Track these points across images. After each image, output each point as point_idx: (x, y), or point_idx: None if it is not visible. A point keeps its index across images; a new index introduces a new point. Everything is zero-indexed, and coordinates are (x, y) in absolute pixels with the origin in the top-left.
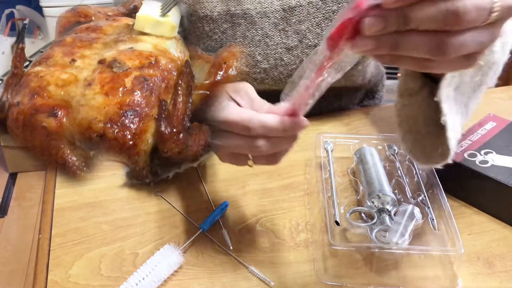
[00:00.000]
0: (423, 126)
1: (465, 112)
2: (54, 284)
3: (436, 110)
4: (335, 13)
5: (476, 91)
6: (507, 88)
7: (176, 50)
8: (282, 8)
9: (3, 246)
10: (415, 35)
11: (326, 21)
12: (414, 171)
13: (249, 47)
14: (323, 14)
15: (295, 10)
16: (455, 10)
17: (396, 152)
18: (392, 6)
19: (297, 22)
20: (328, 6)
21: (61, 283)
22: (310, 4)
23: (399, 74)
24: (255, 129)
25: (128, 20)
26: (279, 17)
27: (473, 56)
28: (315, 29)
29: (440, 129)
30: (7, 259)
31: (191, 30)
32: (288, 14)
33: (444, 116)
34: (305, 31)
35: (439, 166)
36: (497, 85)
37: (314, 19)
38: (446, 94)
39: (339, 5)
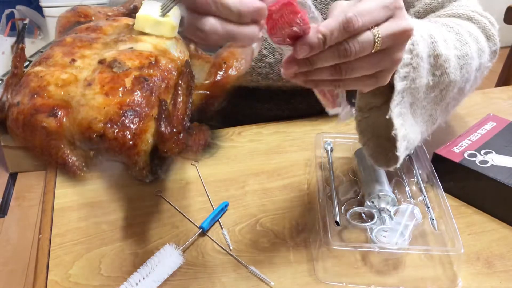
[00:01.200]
0: (385, 132)
1: (431, 120)
2: (54, 284)
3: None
4: None
5: (441, 104)
6: (506, 88)
7: (176, 50)
8: None
9: (3, 246)
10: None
11: None
12: (414, 171)
13: None
14: None
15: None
16: (343, 50)
17: None
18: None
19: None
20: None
21: (61, 283)
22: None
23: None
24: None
25: (128, 20)
26: None
27: (375, 75)
28: None
29: None
30: (7, 259)
31: None
32: None
33: (394, 130)
34: None
35: (391, 168)
36: (497, 85)
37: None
38: (398, 111)
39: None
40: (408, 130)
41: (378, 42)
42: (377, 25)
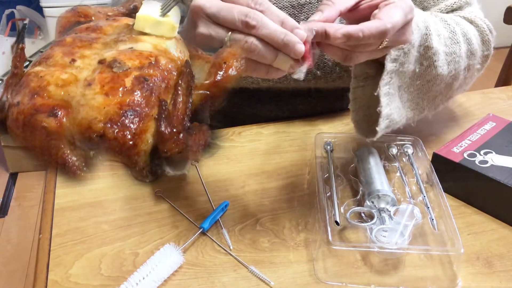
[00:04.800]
0: (376, 105)
1: (418, 109)
2: (54, 283)
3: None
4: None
5: (427, 95)
6: (506, 88)
7: (176, 50)
8: (291, 5)
9: (3, 246)
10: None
11: None
12: (414, 171)
13: None
14: None
15: (305, 7)
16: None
17: (396, 152)
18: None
19: (305, 19)
20: None
21: (61, 283)
22: (320, 1)
23: None
24: (256, 24)
25: (128, 20)
26: (287, 14)
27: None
28: None
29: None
30: (7, 259)
31: None
32: (297, 11)
33: (380, 107)
34: None
35: (367, 140)
36: (497, 85)
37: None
38: (386, 91)
39: None
40: (393, 110)
41: (384, 43)
42: None
